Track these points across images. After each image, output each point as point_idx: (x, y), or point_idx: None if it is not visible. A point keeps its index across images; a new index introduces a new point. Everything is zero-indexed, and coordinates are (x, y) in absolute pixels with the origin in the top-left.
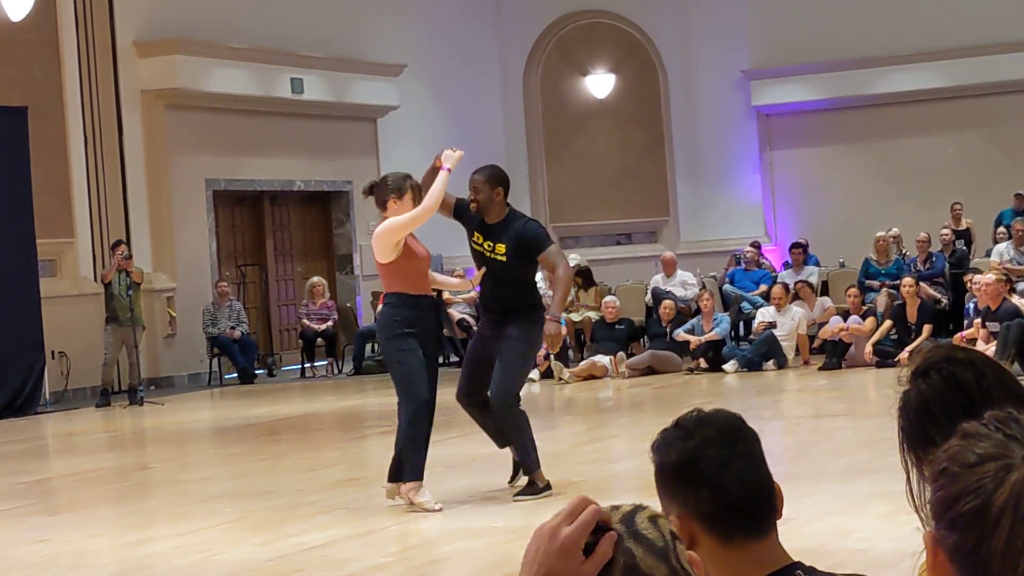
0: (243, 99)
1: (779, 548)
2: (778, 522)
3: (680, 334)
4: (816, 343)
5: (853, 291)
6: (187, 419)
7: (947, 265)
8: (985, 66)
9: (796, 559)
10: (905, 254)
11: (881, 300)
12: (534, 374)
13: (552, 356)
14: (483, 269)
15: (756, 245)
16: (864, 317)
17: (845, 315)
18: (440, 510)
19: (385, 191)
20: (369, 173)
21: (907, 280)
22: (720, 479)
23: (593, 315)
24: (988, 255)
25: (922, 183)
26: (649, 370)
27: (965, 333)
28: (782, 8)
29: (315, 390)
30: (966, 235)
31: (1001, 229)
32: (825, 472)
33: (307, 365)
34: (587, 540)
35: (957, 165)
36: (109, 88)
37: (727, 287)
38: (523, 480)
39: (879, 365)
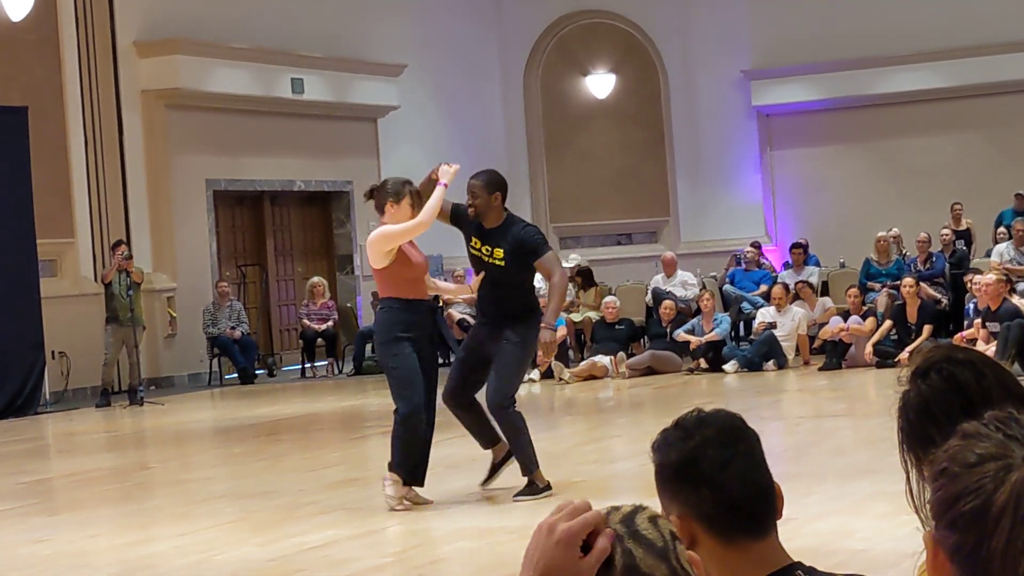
0: (244, 99)
1: (779, 548)
2: (778, 522)
3: (680, 334)
4: (816, 343)
5: (853, 291)
6: (187, 419)
7: (947, 265)
8: (986, 66)
9: (796, 559)
10: (905, 254)
11: (881, 300)
12: (534, 374)
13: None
14: (481, 274)
15: (756, 245)
16: (864, 317)
17: (845, 315)
18: (401, 510)
19: (384, 195)
20: (369, 173)
21: (907, 280)
22: (720, 479)
23: (593, 315)
24: (988, 255)
25: (922, 183)
26: (649, 370)
27: (965, 333)
28: (782, 8)
29: (315, 390)
30: (966, 235)
31: (1001, 229)
32: (825, 472)
33: (307, 365)
34: (585, 540)
35: (957, 165)
36: (109, 88)
37: (727, 287)
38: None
39: (879, 365)
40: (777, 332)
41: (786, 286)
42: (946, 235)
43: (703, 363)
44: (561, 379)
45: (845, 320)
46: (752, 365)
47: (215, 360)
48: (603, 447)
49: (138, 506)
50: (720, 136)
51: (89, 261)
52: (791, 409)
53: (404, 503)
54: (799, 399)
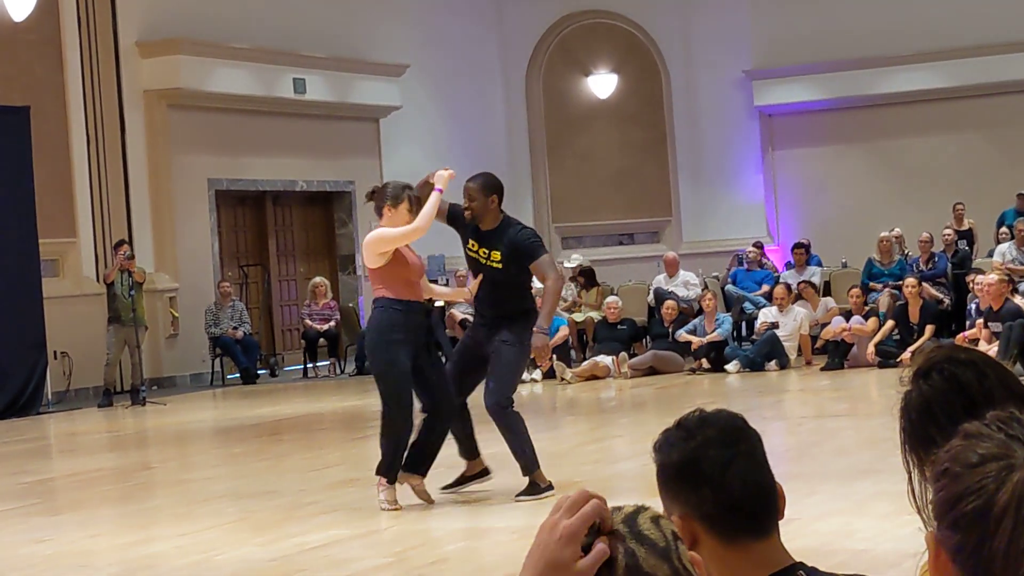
0: (245, 99)
1: (781, 548)
2: (780, 522)
3: (682, 335)
4: (818, 343)
5: (855, 291)
6: (189, 419)
7: (949, 265)
8: (988, 66)
9: (798, 559)
10: (908, 254)
11: (883, 300)
12: (536, 374)
13: (554, 356)
14: (479, 276)
15: (758, 245)
16: (866, 317)
17: (847, 315)
18: (392, 510)
19: (383, 198)
20: (371, 173)
21: (909, 280)
22: (722, 479)
23: (595, 315)
24: (990, 255)
25: (924, 183)
26: (651, 370)
27: (967, 333)
28: (784, 8)
29: (317, 390)
30: (968, 235)
31: (1003, 229)
32: (827, 472)
33: (309, 365)
34: (587, 542)
35: (959, 165)
36: (111, 88)
37: (729, 287)
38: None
39: (881, 365)
40: (779, 332)
41: (788, 286)
42: (948, 235)
43: (705, 363)
44: (563, 379)
45: (847, 320)
46: (754, 365)
47: (217, 360)
48: (605, 447)
49: (139, 506)
50: (722, 136)
51: (91, 261)
52: (793, 409)
53: (397, 504)
54: (801, 399)
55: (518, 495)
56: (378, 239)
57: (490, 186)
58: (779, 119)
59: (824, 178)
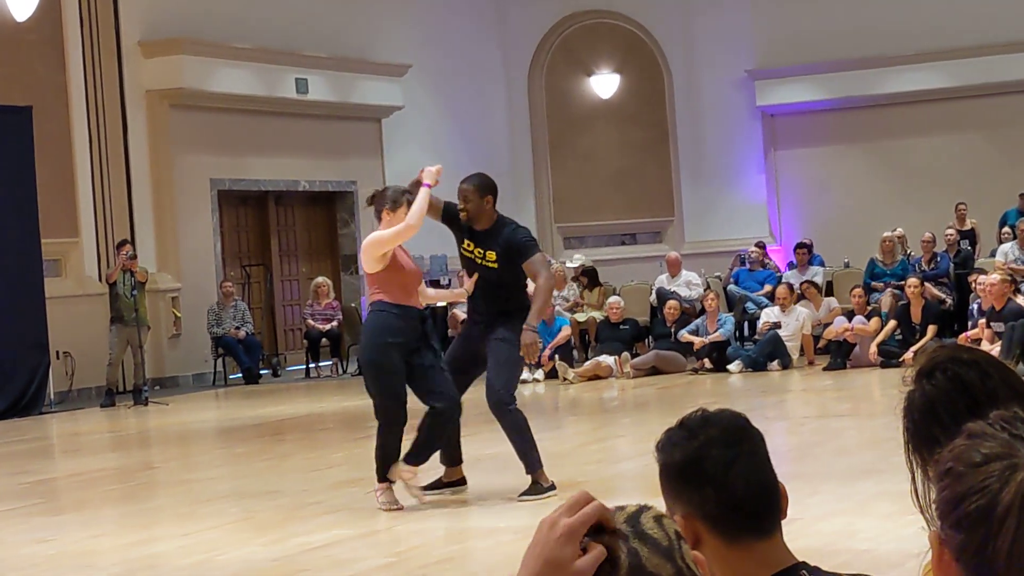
0: (248, 99)
1: (784, 548)
2: (783, 522)
3: (684, 335)
4: (821, 343)
5: (858, 291)
6: (191, 419)
7: (952, 265)
8: (990, 66)
9: (801, 559)
10: (910, 254)
11: (886, 300)
12: (539, 374)
13: (556, 356)
14: (475, 275)
15: (761, 245)
16: (869, 317)
17: (850, 315)
18: (396, 509)
19: (382, 203)
20: (374, 173)
21: (912, 280)
22: (725, 479)
23: (598, 315)
24: (993, 255)
25: (927, 183)
26: (653, 370)
27: (970, 333)
28: (786, 8)
29: (319, 390)
30: (971, 235)
31: (1006, 229)
32: (830, 472)
33: (311, 365)
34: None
35: (962, 165)
36: (114, 88)
37: (731, 287)
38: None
39: (884, 365)
40: (781, 332)
41: (790, 286)
42: (951, 235)
43: (707, 363)
44: (565, 379)
45: (849, 320)
46: (756, 365)
47: (219, 360)
48: (607, 447)
49: (142, 506)
50: (724, 136)
51: (93, 261)
52: (795, 409)
53: (397, 504)
54: (803, 399)
55: (521, 495)
56: (374, 242)
57: (485, 187)
58: (781, 119)
59: (826, 178)
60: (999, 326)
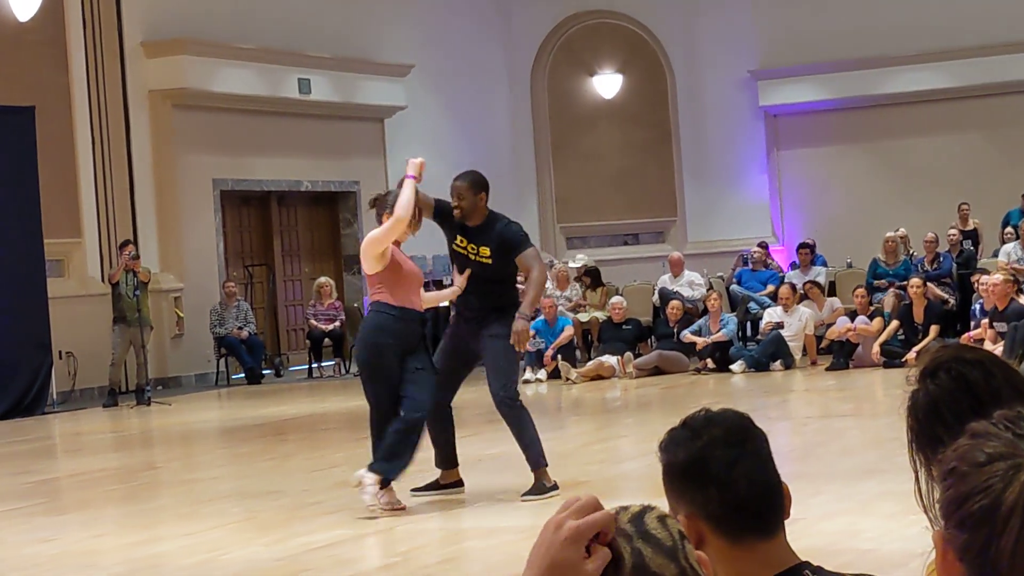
0: (250, 99)
1: (787, 548)
2: (786, 522)
3: (687, 335)
4: (823, 343)
5: (860, 291)
6: (194, 419)
7: (954, 265)
8: (993, 66)
9: (804, 559)
10: (913, 254)
11: (888, 300)
12: (541, 374)
13: (559, 356)
14: (467, 271)
15: (763, 245)
16: (871, 317)
17: (852, 315)
18: (375, 517)
19: (383, 206)
20: (376, 174)
21: (914, 281)
22: (728, 479)
23: (600, 315)
24: (995, 255)
25: (929, 183)
26: (656, 370)
27: (972, 333)
28: (789, 8)
29: (322, 390)
30: (973, 235)
31: (1009, 229)
32: (833, 472)
33: (314, 365)
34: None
35: (964, 165)
36: (117, 88)
37: (734, 287)
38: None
39: (886, 365)
40: (784, 332)
41: (793, 286)
42: (953, 235)
43: (710, 363)
44: (568, 379)
45: (852, 320)
46: (759, 365)
47: (222, 360)
48: (610, 447)
49: (144, 506)
50: (727, 136)
51: (96, 261)
52: (798, 409)
53: (400, 505)
54: (806, 399)
55: (524, 494)
56: (370, 241)
57: (478, 184)
58: (784, 119)
59: (829, 178)
60: (1002, 326)
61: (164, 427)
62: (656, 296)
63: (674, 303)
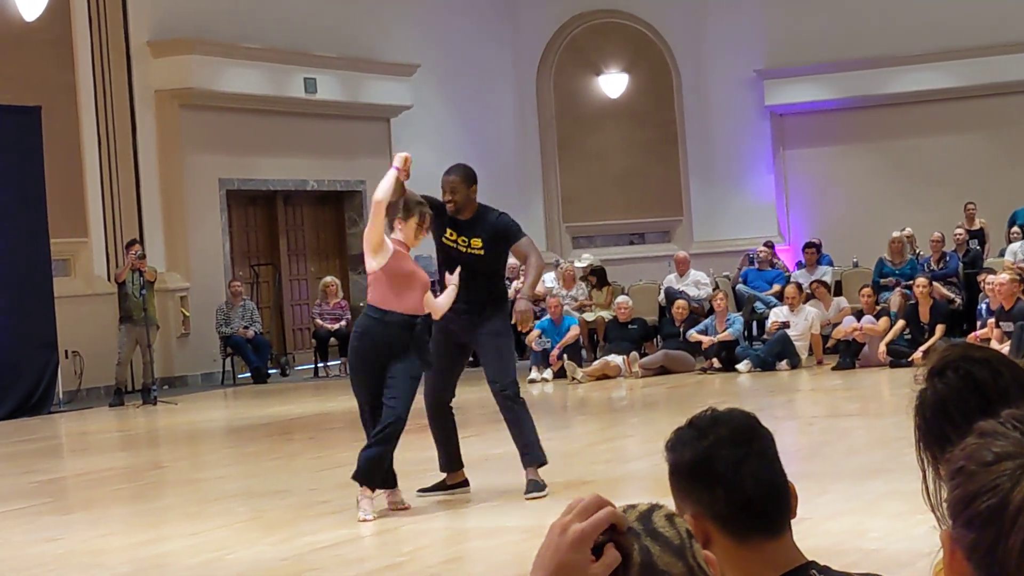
0: (256, 99)
1: (794, 547)
2: (792, 521)
3: (693, 335)
4: (830, 343)
5: (867, 291)
6: (200, 418)
7: (961, 265)
8: (998, 66)
9: (810, 559)
10: (919, 254)
11: (895, 300)
12: (547, 374)
13: (565, 356)
14: (458, 268)
15: (769, 245)
16: (878, 317)
17: (859, 315)
18: (403, 509)
19: (394, 211)
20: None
21: (920, 280)
22: (735, 479)
23: (606, 315)
24: (1002, 255)
25: (935, 183)
26: (662, 370)
27: (979, 333)
28: (795, 8)
29: (328, 389)
30: (980, 235)
31: (1015, 229)
32: (839, 471)
33: (320, 364)
34: (599, 540)
35: (970, 165)
36: (123, 88)
37: (740, 287)
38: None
39: (893, 365)
40: (790, 332)
41: (799, 285)
42: (960, 234)
43: (716, 363)
44: (574, 379)
45: (858, 320)
46: (765, 365)
47: (228, 359)
48: (616, 447)
49: (150, 505)
50: (733, 135)
51: (102, 260)
52: (804, 409)
53: (404, 505)
54: (812, 399)
55: (527, 493)
56: (364, 237)
57: (471, 177)
58: (790, 119)
59: (835, 178)
60: (1008, 325)
61: (170, 426)
62: (662, 296)
63: (680, 303)
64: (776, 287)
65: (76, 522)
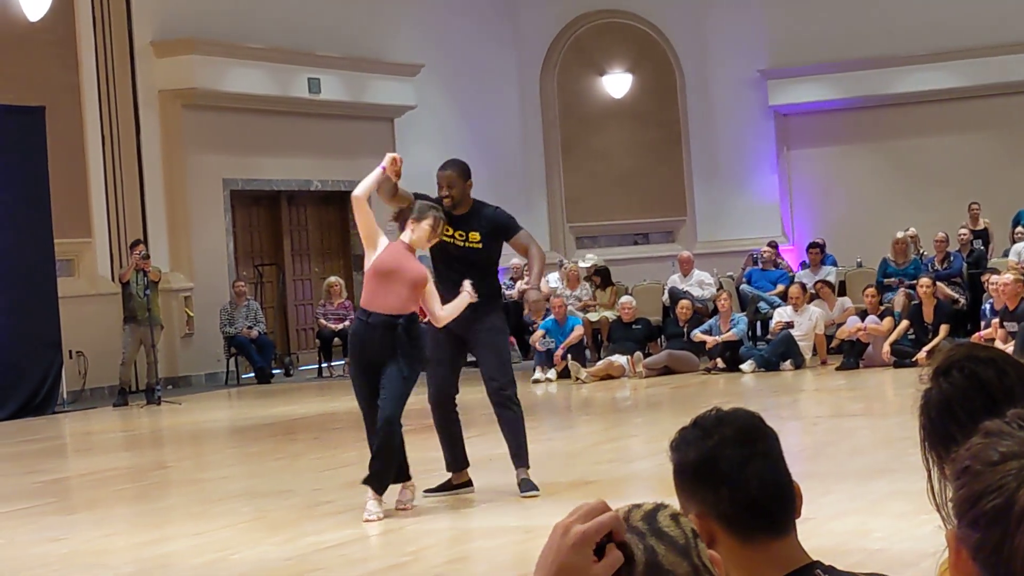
0: (260, 99)
1: (798, 547)
2: (797, 521)
3: (697, 334)
4: (834, 343)
5: (871, 291)
6: (204, 418)
7: (965, 265)
8: (1002, 66)
9: (815, 558)
10: (923, 254)
11: (899, 300)
12: (551, 374)
13: (569, 356)
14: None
15: (773, 245)
16: (882, 317)
17: (863, 315)
18: (373, 520)
19: (408, 214)
20: None
21: (923, 280)
22: (739, 478)
23: (610, 315)
24: (1006, 255)
25: (939, 183)
26: (666, 370)
27: (983, 333)
28: (799, 8)
29: (332, 389)
30: (984, 235)
31: (1019, 229)
32: (843, 472)
33: (324, 365)
34: (601, 540)
35: (974, 165)
36: (126, 88)
37: (744, 287)
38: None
39: (896, 365)
40: (794, 332)
41: (803, 286)
42: (964, 235)
43: (720, 363)
44: (578, 379)
45: (862, 320)
46: (769, 365)
47: (232, 359)
48: (620, 447)
49: (154, 505)
50: (737, 136)
51: (106, 260)
52: (808, 409)
53: (375, 517)
54: (816, 399)
55: (526, 493)
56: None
57: (466, 172)
58: (794, 119)
59: (839, 178)
60: (1012, 325)
61: (174, 426)
62: (666, 296)
63: (684, 303)
64: (780, 287)
65: (80, 522)
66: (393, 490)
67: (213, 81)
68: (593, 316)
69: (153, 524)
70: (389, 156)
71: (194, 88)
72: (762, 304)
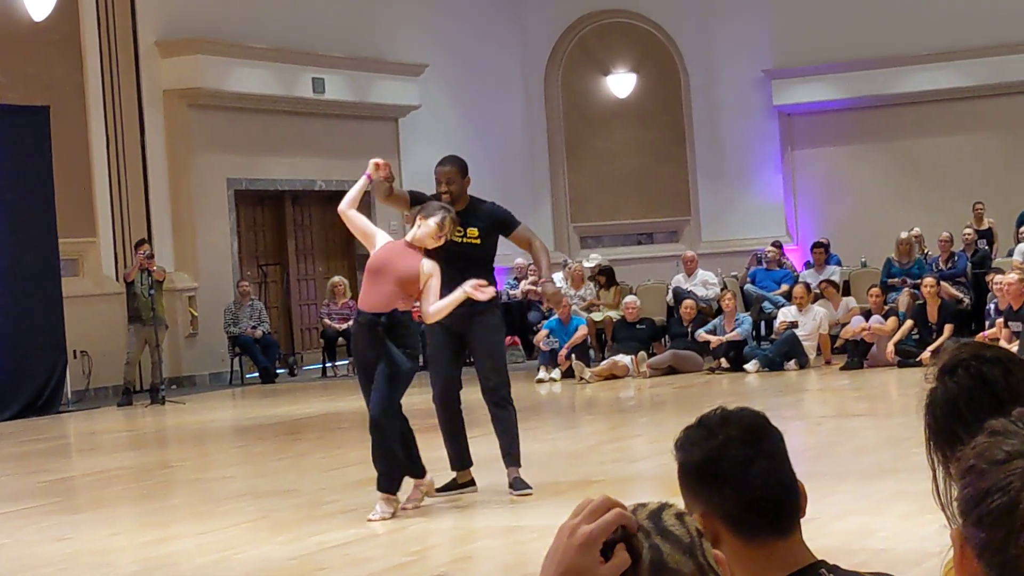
0: (265, 99)
1: (803, 547)
2: (801, 521)
3: (701, 334)
4: (838, 343)
5: (875, 291)
6: (208, 418)
7: (969, 265)
8: (1007, 65)
9: (820, 558)
10: (927, 254)
11: (903, 300)
12: (555, 373)
13: (573, 356)
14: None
15: (777, 245)
16: (886, 317)
17: (867, 315)
18: (376, 519)
19: (419, 210)
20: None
21: (927, 280)
22: (744, 478)
23: (614, 315)
24: (1010, 255)
25: (944, 182)
26: (670, 370)
27: (987, 333)
28: (803, 8)
29: (336, 389)
30: (988, 235)
31: (1023, 229)
32: (848, 471)
33: (328, 364)
34: (609, 540)
35: (979, 164)
36: (131, 88)
37: (748, 287)
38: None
39: (901, 365)
40: (798, 331)
41: (807, 285)
42: (968, 234)
43: (724, 363)
44: (582, 378)
45: (867, 320)
46: (773, 365)
47: (236, 359)
48: (624, 446)
49: (159, 504)
50: (741, 135)
51: (111, 260)
52: (813, 408)
53: (379, 518)
54: (821, 398)
55: (519, 493)
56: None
57: (465, 168)
58: (798, 118)
59: (843, 177)
60: (1017, 325)
61: (178, 426)
62: (670, 295)
63: (688, 302)
64: (784, 287)
65: (85, 521)
66: (408, 485)
67: (217, 81)
68: (597, 316)
69: (157, 524)
70: (372, 162)
71: (198, 88)
72: (766, 304)
